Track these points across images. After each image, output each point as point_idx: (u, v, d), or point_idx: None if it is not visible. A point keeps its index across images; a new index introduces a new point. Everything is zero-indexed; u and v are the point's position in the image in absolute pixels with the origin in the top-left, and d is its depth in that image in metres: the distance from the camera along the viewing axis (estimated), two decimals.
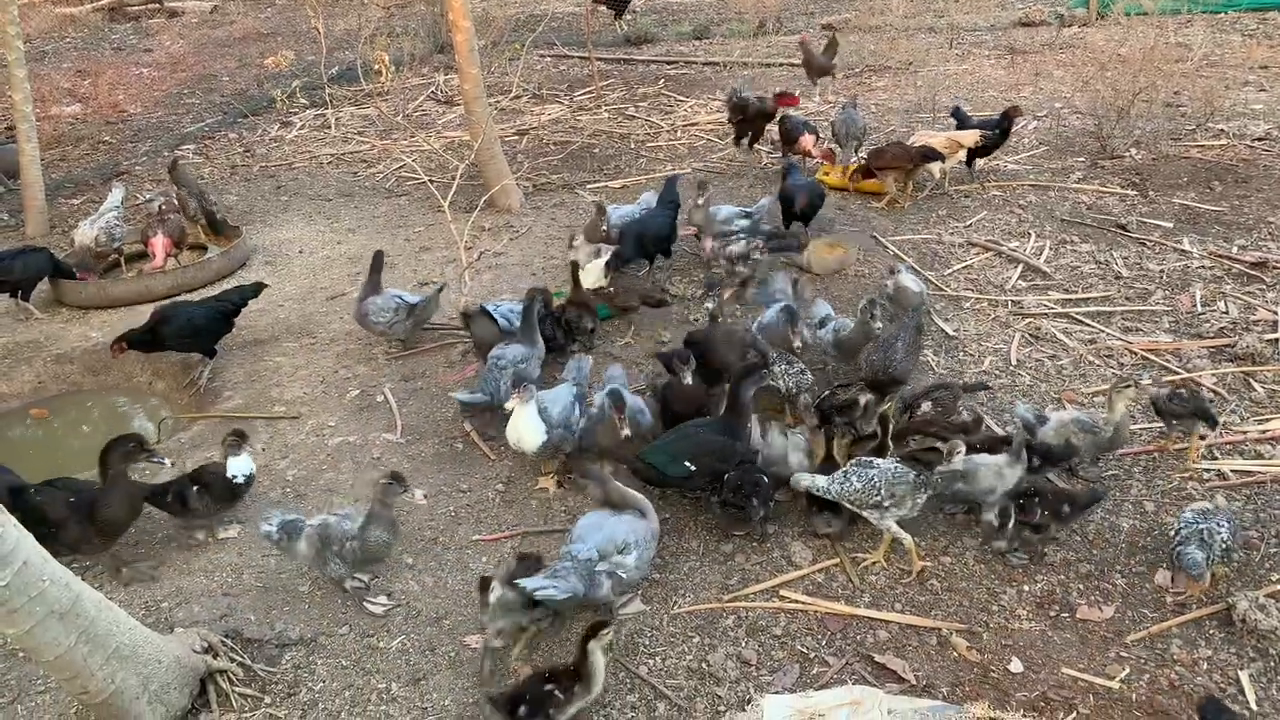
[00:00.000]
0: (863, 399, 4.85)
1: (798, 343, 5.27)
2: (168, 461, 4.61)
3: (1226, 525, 3.97)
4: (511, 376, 5.20)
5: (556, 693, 3.45)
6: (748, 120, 9.13)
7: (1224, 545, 3.91)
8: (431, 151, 10.07)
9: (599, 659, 3.50)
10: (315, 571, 4.31)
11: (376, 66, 13.00)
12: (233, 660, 3.91)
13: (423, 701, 3.76)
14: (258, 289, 6.52)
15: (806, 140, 8.37)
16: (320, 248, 8.22)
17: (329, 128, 11.48)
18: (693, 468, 4.45)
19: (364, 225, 8.63)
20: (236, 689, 3.83)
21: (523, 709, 3.42)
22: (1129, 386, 4.56)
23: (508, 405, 4.79)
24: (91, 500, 4.28)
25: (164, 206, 7.89)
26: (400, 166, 9.91)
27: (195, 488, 4.59)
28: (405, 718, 3.69)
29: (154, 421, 6.13)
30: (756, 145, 9.44)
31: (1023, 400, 5.16)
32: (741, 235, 6.71)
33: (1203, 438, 4.88)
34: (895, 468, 4.18)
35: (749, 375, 4.65)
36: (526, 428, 4.72)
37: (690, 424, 4.74)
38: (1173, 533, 4.02)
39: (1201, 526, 3.93)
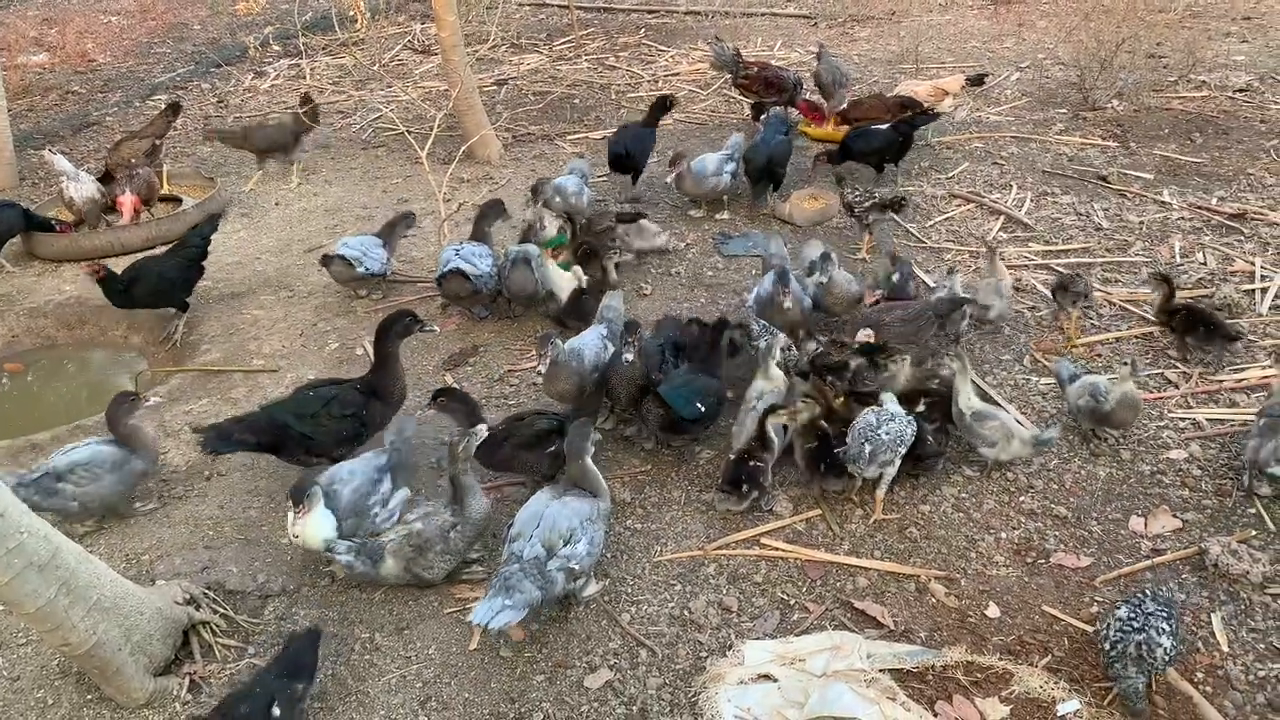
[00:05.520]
0: (854, 363, 4.82)
1: (788, 304, 5.16)
2: (436, 328, 5.28)
3: (1168, 624, 3.34)
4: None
5: (757, 463, 4.30)
6: (769, 85, 8.42)
7: (1167, 655, 3.30)
8: (409, 102, 9.92)
9: (771, 431, 4.33)
10: (404, 582, 3.99)
11: (352, 14, 12.75)
12: (215, 612, 3.92)
13: (406, 650, 3.78)
14: (214, 222, 6.36)
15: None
16: (297, 200, 8.11)
17: (303, 77, 11.27)
18: (702, 409, 4.53)
19: (341, 177, 8.51)
20: (219, 640, 3.84)
21: (744, 484, 4.25)
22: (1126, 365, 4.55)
23: (291, 528, 3.96)
24: (374, 383, 4.64)
25: (134, 162, 7.74)
26: (377, 117, 9.76)
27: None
28: (390, 667, 3.72)
29: (131, 375, 6.07)
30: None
31: (1066, 358, 5.20)
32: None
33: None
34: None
35: (723, 328, 4.93)
36: (308, 531, 3.95)
37: (678, 371, 4.82)
38: (1106, 644, 3.39)
39: (1138, 638, 3.30)
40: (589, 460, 4.00)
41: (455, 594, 4.01)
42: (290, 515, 3.94)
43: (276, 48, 12.24)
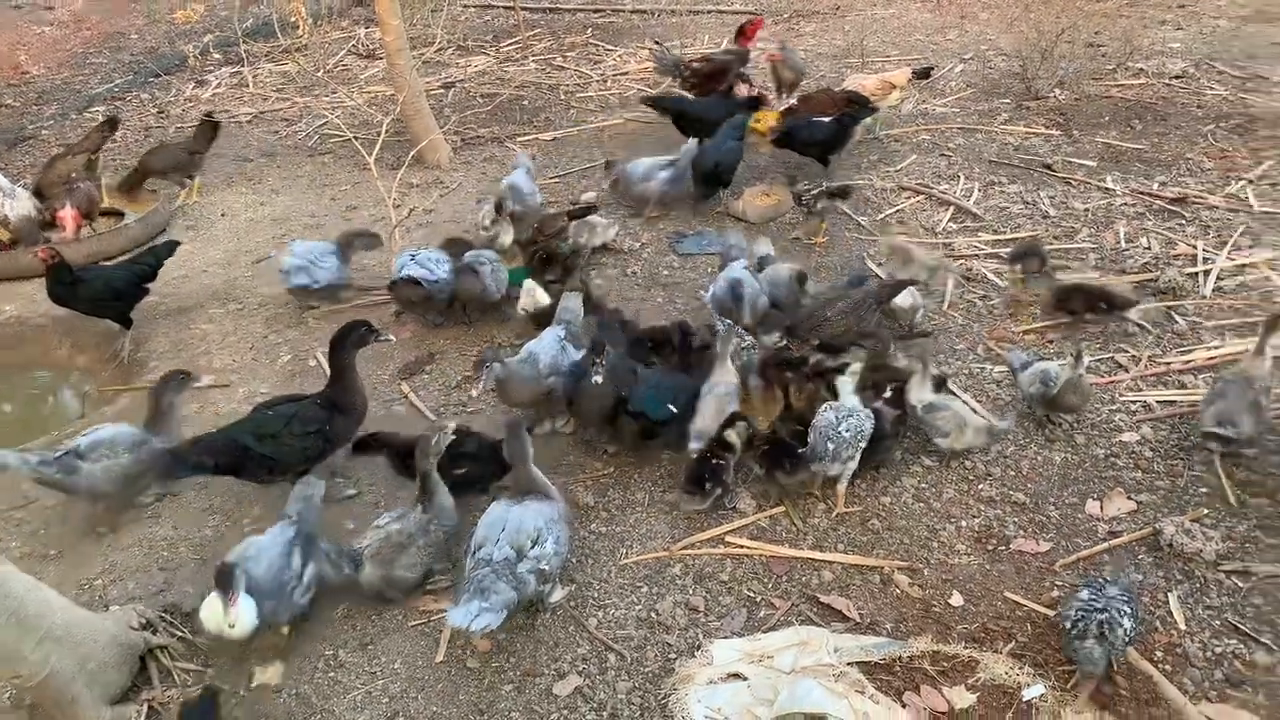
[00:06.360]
0: (813, 359, 4.83)
1: (746, 319, 5.23)
2: (392, 337, 5.09)
3: (1129, 607, 3.39)
4: None
5: (720, 462, 4.31)
6: (712, 78, 8.52)
7: (1127, 636, 3.35)
8: (355, 108, 9.79)
9: (735, 438, 4.36)
10: (378, 591, 3.93)
11: (293, 20, 12.52)
12: (173, 635, 3.84)
13: (371, 666, 3.73)
14: (171, 248, 6.29)
15: (741, 90, 8.32)
16: (243, 210, 7.97)
17: (246, 85, 11.08)
18: (674, 409, 4.52)
19: (288, 186, 8.38)
20: (178, 665, 3.75)
21: (707, 482, 4.27)
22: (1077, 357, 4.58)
23: (225, 618, 3.52)
24: (333, 397, 4.52)
25: (74, 175, 7.54)
26: (323, 124, 9.62)
27: None
28: (355, 683, 3.66)
29: (77, 395, 5.92)
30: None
31: (1015, 347, 5.25)
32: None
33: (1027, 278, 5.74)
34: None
35: (690, 336, 5.03)
36: (235, 616, 3.55)
37: (648, 372, 4.81)
38: (1068, 624, 3.42)
39: (1101, 616, 3.34)
40: (533, 466, 3.97)
41: (419, 607, 3.96)
42: (215, 602, 3.52)
43: (217, 56, 12.02)
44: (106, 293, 5.89)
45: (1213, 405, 4.38)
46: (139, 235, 7.33)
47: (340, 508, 4.55)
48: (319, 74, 11.20)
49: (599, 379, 4.44)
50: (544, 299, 5.55)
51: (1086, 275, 5.90)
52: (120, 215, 7.76)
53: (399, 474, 4.43)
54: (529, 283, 5.59)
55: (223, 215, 7.89)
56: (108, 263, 6.65)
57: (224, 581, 3.52)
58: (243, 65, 11.55)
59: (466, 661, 3.71)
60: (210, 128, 8.12)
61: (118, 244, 7.16)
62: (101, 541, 4.45)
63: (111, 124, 8.13)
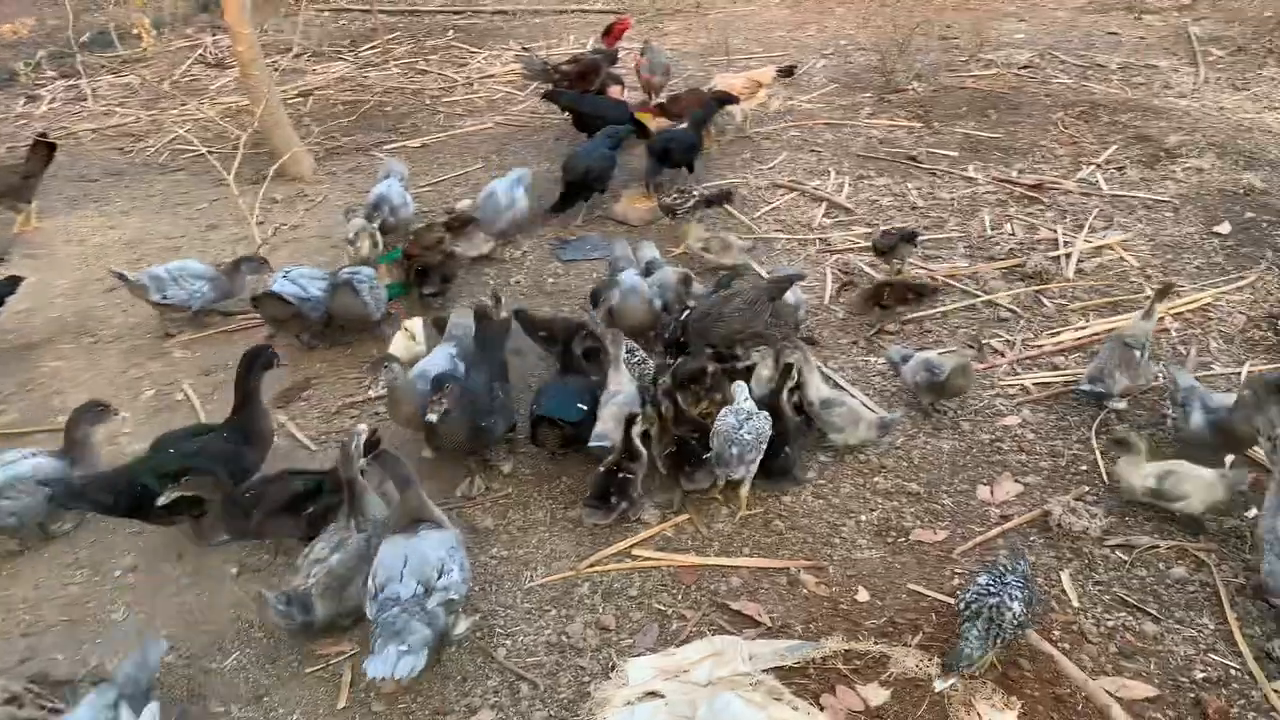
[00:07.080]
0: (710, 368, 4.81)
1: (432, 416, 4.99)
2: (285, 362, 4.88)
3: (1022, 593, 3.43)
4: None
5: (626, 475, 4.22)
6: (582, 78, 8.45)
7: (1016, 620, 3.39)
8: (207, 120, 9.29)
9: (637, 441, 4.23)
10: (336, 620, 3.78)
11: (135, 30, 11.84)
12: (42, 708, 3.51)
13: (267, 719, 3.51)
14: (12, 284, 5.85)
15: (614, 91, 8.27)
16: (91, 234, 7.45)
17: (85, 100, 10.38)
18: (585, 408, 4.46)
19: (138, 206, 7.88)
20: None
21: (612, 497, 4.19)
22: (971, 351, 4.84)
23: None
24: (241, 426, 4.34)
25: None
26: (174, 139, 9.09)
27: None
28: None
29: None
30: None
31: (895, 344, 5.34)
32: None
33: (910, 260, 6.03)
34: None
35: (574, 336, 4.93)
36: None
37: (546, 386, 4.78)
38: (961, 605, 3.50)
39: (993, 601, 3.39)
40: (421, 490, 3.82)
41: (316, 651, 3.75)
42: None
43: (51, 70, 11.23)
44: None
45: (1089, 365, 4.73)
46: None
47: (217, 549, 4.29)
48: (165, 86, 10.59)
49: (434, 417, 4.20)
50: (418, 346, 5.31)
51: (957, 265, 6.11)
52: None
53: (231, 526, 4.14)
54: (406, 324, 5.39)
55: (67, 241, 7.35)
56: None
57: None
58: (79, 78, 10.82)
59: (371, 705, 3.54)
60: (45, 149, 7.54)
61: None
62: None
63: None
